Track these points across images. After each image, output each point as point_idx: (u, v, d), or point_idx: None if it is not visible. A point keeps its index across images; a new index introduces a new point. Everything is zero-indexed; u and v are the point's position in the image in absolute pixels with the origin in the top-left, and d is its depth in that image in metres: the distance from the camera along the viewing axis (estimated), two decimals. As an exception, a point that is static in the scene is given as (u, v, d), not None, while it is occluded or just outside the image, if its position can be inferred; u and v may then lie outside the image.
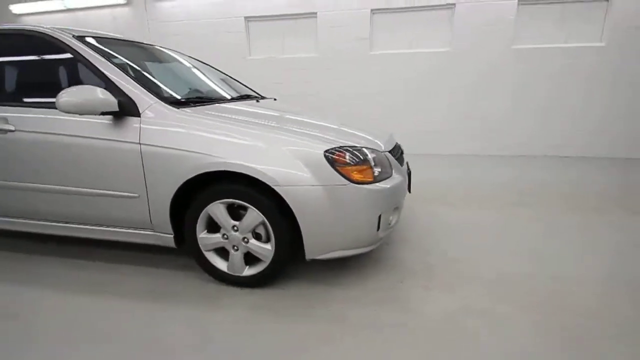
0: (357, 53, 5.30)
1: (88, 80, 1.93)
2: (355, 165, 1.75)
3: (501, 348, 1.48)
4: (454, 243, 2.42)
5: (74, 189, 1.94)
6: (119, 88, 1.81)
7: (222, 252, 1.95)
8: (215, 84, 2.76)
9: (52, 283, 2.03)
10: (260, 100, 2.77)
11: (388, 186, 1.81)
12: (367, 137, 2.02)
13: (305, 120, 2.19)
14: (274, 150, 1.71)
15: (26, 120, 1.93)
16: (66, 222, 2.08)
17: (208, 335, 1.60)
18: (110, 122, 1.82)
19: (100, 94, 1.71)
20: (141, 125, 1.78)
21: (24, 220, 2.14)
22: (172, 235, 1.92)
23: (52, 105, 1.92)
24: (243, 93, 2.83)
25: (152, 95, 1.83)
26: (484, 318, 1.66)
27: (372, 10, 5.11)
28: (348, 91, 5.49)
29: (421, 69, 5.20)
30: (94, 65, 1.87)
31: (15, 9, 6.17)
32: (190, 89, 2.49)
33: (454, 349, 1.48)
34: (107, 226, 2.02)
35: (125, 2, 5.81)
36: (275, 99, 3.11)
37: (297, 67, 5.56)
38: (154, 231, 1.95)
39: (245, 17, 5.50)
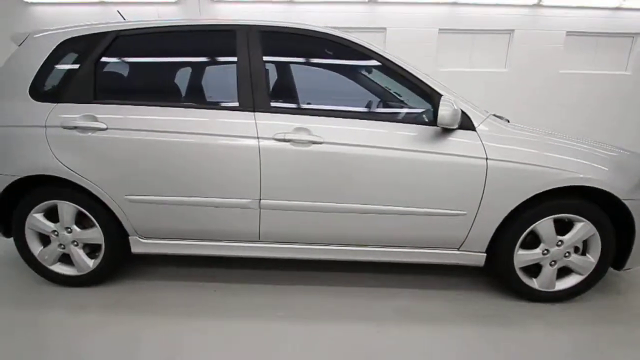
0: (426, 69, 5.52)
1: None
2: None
3: None
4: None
5: (383, 207, 1.75)
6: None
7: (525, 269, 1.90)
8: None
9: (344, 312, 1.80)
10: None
11: None
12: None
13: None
14: (611, 164, 1.76)
15: (330, 131, 1.71)
16: (346, 245, 1.86)
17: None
18: (437, 134, 1.71)
19: (458, 107, 1.60)
20: (483, 141, 1.71)
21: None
22: (483, 254, 1.84)
23: (354, 115, 1.76)
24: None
25: (481, 109, 1.76)
26: None
27: (439, 29, 5.40)
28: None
29: (480, 88, 5.60)
30: (408, 72, 1.74)
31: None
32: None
33: None
34: (403, 247, 1.86)
35: (175, 0, 5.29)
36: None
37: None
38: (461, 250, 1.85)
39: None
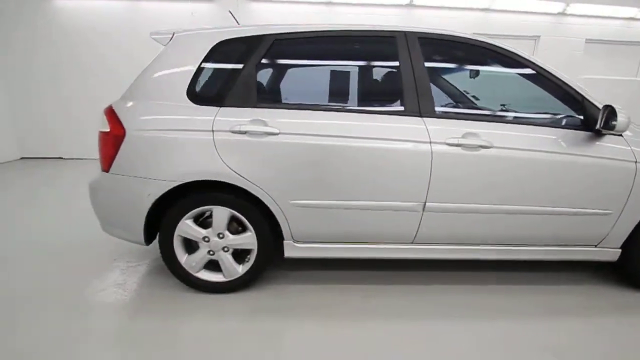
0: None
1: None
2: None
3: None
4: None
5: (540, 208, 1.84)
6: (595, 106, 1.83)
7: None
8: None
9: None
10: None
11: None
12: None
13: None
14: None
15: (497, 136, 1.77)
16: (492, 245, 1.94)
17: None
18: (588, 139, 1.82)
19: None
20: (631, 146, 1.83)
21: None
22: (618, 249, 1.98)
23: (515, 120, 1.84)
24: None
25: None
26: None
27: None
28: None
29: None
30: (562, 81, 1.84)
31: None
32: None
33: None
34: (545, 246, 1.96)
35: (211, -2, 5.17)
36: None
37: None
38: (598, 247, 1.98)
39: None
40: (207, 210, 1.81)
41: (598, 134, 1.82)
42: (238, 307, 1.85)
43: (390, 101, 1.86)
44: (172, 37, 1.82)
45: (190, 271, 1.89)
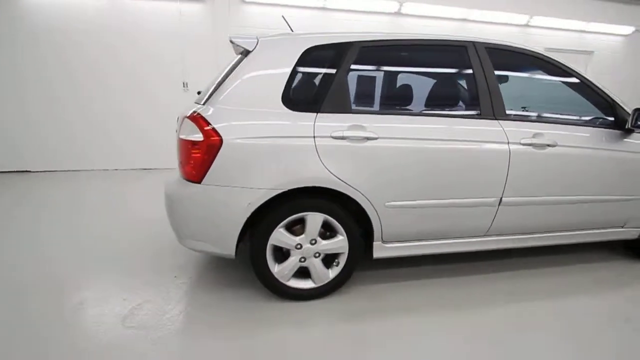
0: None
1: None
2: None
3: None
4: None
5: (589, 197, 2.12)
6: (624, 109, 2.15)
7: None
8: None
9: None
10: None
11: None
12: None
13: None
14: None
15: (559, 136, 2.01)
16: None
17: None
18: (620, 136, 2.14)
19: None
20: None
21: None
22: (638, 229, 2.34)
23: (570, 122, 2.12)
24: None
25: None
26: None
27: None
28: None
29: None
30: (597, 87, 2.14)
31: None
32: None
33: None
34: (584, 230, 2.25)
35: (203, -2, 4.95)
36: None
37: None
38: (624, 227, 2.32)
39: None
40: (299, 218, 1.80)
41: (628, 132, 2.15)
42: (332, 312, 1.85)
43: (466, 105, 2.01)
44: (257, 43, 1.79)
45: (282, 280, 1.86)
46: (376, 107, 2.00)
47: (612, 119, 2.18)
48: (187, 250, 2.43)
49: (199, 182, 1.68)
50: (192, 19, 5.11)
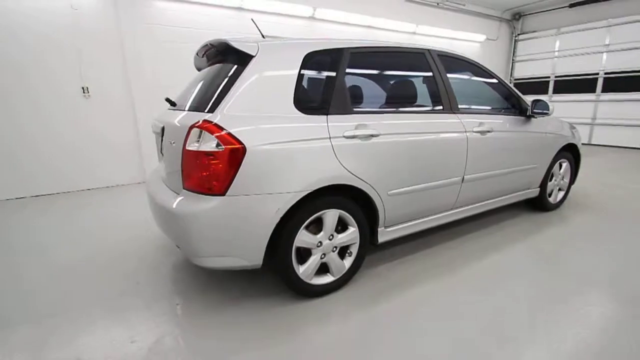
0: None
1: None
2: None
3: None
4: None
5: (507, 170, 2.75)
6: (525, 100, 2.87)
7: None
8: None
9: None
10: None
11: None
12: None
13: None
14: None
15: (493, 123, 2.55)
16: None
17: None
18: (524, 121, 2.85)
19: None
20: (543, 125, 2.96)
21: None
22: (538, 188, 3.15)
23: (494, 112, 2.69)
24: None
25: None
26: None
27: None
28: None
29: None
30: (507, 85, 2.80)
31: None
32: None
33: None
34: (507, 194, 2.93)
35: (101, -9, 4.22)
36: None
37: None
38: (530, 189, 3.10)
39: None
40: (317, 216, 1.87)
41: (529, 118, 2.88)
42: (347, 300, 1.98)
43: (435, 102, 2.37)
44: (259, 48, 1.76)
45: (307, 280, 1.90)
46: (372, 106, 2.20)
47: (518, 109, 2.89)
48: (172, 274, 2.22)
49: (223, 194, 1.59)
50: (89, 11, 4.33)
